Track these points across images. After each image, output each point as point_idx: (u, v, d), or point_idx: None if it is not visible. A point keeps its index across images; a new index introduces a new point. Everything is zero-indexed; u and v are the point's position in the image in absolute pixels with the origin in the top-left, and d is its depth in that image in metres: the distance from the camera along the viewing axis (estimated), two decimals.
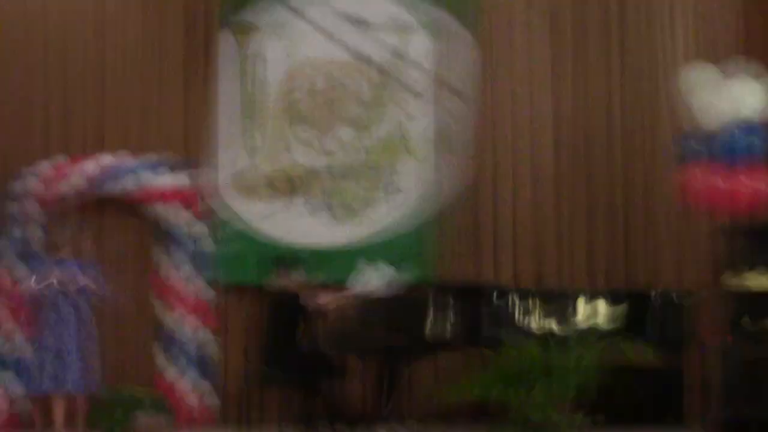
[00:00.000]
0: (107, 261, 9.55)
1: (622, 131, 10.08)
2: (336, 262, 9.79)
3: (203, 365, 9.69)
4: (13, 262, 9.59)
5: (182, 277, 9.72)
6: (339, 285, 9.67)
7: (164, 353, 9.70)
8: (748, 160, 7.89)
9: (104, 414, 7.69)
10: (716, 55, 9.18)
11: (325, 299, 8.56)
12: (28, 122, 10.00)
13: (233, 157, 10.02)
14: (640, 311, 8.53)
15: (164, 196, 9.76)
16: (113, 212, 9.93)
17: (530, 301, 8.51)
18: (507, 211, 9.99)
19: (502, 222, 9.99)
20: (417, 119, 10.06)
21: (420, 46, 10.09)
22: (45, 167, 9.73)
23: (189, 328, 9.67)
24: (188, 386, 9.59)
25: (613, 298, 8.90)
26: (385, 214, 9.96)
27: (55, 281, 8.34)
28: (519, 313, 8.46)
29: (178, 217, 9.78)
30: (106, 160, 9.76)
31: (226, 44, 10.09)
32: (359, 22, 10.14)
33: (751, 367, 7.16)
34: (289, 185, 10.04)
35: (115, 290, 9.61)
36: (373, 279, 8.74)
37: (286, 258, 8.97)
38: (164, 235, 9.81)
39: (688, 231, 9.56)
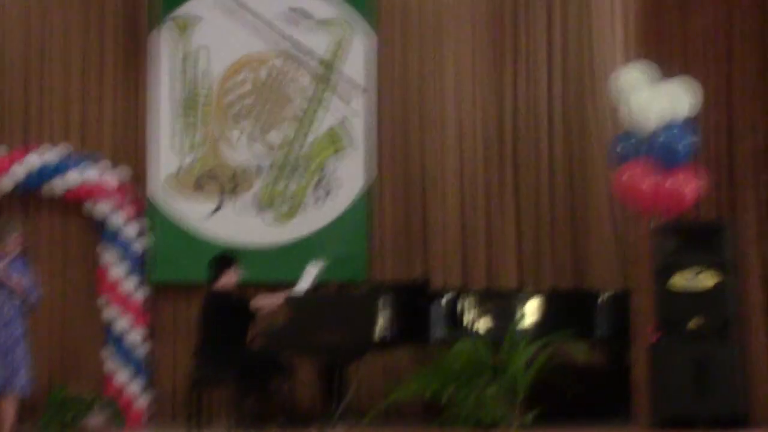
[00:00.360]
0: (45, 258, 9.53)
1: (554, 131, 10.06)
2: (274, 261, 9.81)
3: (140, 365, 9.66)
4: None
5: (118, 275, 9.64)
6: (277, 283, 9.76)
7: (109, 354, 9.63)
8: (681, 161, 8.06)
9: (54, 416, 7.60)
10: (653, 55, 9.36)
11: (264, 300, 8.57)
12: None
13: (171, 153, 9.94)
14: (586, 310, 8.67)
15: (99, 193, 9.66)
16: (49, 209, 9.81)
17: (478, 301, 8.63)
18: (437, 211, 10.00)
19: (432, 222, 9.99)
20: (351, 119, 10.13)
21: (364, 41, 10.13)
22: None
23: (125, 327, 9.61)
24: (131, 387, 9.55)
25: (560, 298, 9.02)
26: (323, 212, 10.01)
27: None
28: (467, 313, 8.58)
29: (113, 214, 9.68)
30: (36, 159, 9.64)
31: (165, 37, 9.99)
32: (301, 15, 10.13)
33: (690, 365, 7.36)
34: (227, 183, 10.03)
35: (55, 288, 9.64)
36: (312, 277, 8.77)
37: (224, 257, 8.97)
38: (101, 233, 9.73)
39: (623, 231, 9.78)
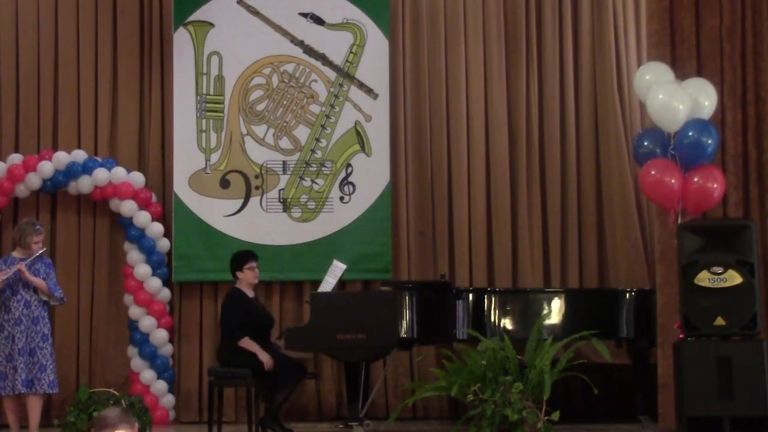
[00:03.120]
0: (71, 258, 9.60)
1: (580, 129, 10.11)
2: (299, 259, 9.85)
3: (164, 364, 9.70)
4: None
5: (142, 274, 9.67)
6: (302, 281, 9.81)
7: (134, 352, 9.69)
8: (706, 158, 8.05)
9: (80, 414, 7.66)
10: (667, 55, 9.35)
11: (252, 346, 8.50)
12: None
13: (189, 155, 9.99)
14: (611, 309, 8.63)
15: (124, 193, 9.69)
16: (75, 209, 9.87)
17: (503, 300, 8.62)
18: (462, 211, 10.01)
19: (457, 220, 10.01)
20: (373, 118, 10.15)
21: (378, 44, 10.17)
22: None
23: (150, 326, 9.64)
24: (156, 386, 9.58)
25: (585, 297, 9.04)
26: (348, 211, 10.02)
27: (3, 278, 8.25)
28: (492, 312, 8.57)
29: (138, 214, 9.71)
30: (62, 158, 9.69)
31: (181, 42, 10.03)
32: (315, 20, 10.18)
33: (716, 363, 7.31)
34: (245, 184, 10.05)
35: (81, 287, 9.71)
36: (337, 276, 8.79)
37: (239, 255, 8.99)
38: (126, 232, 9.77)
39: (648, 229, 9.77)
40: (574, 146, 10.14)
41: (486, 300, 8.57)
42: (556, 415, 7.11)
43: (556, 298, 8.68)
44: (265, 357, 8.40)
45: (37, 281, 8.28)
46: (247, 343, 8.48)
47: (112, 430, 4.29)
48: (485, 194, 10.07)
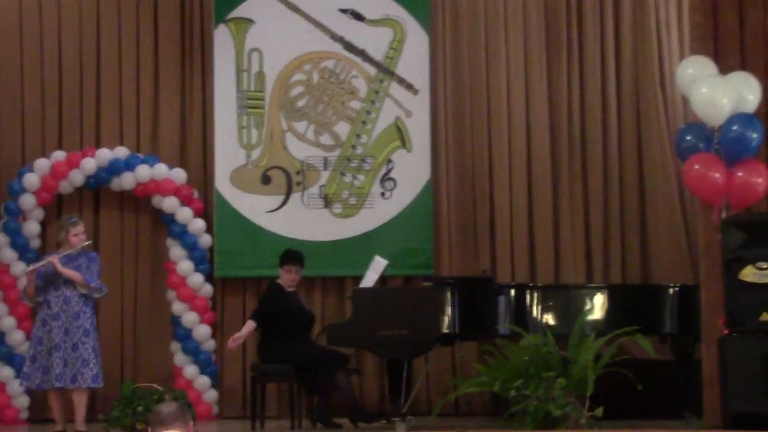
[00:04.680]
0: (114, 253, 9.68)
1: (622, 123, 10.09)
2: (340, 255, 9.87)
3: (207, 360, 9.75)
4: (12, 259, 9.62)
5: (185, 270, 9.72)
6: (343, 277, 9.81)
7: (177, 348, 9.74)
8: (750, 153, 7.98)
9: (124, 409, 7.70)
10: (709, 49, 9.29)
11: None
12: (24, 119, 9.96)
13: (231, 151, 10.03)
14: (654, 305, 8.58)
15: (166, 189, 9.75)
16: (118, 205, 9.94)
17: (545, 295, 8.59)
18: (503, 206, 10.00)
19: (498, 215, 10.00)
20: (413, 114, 10.15)
21: (418, 40, 10.16)
22: (43, 164, 9.72)
23: (192, 322, 9.70)
24: (199, 381, 9.65)
25: (627, 292, 8.97)
26: (389, 206, 10.02)
27: (42, 270, 8.32)
28: (534, 307, 8.55)
29: (180, 210, 9.76)
30: (105, 155, 9.76)
31: (222, 39, 10.07)
32: (354, 16, 10.18)
33: (761, 359, 7.26)
34: (286, 180, 10.08)
35: (124, 283, 9.78)
36: (378, 271, 8.79)
37: (284, 253, 9.03)
38: (168, 229, 9.83)
39: (692, 224, 9.71)
40: (616, 141, 10.11)
41: (528, 295, 8.54)
42: (599, 411, 7.06)
43: (598, 294, 8.63)
44: (235, 343, 8.59)
45: (70, 272, 8.30)
46: (247, 326, 8.63)
47: (166, 427, 4.29)
48: (526, 189, 10.05)
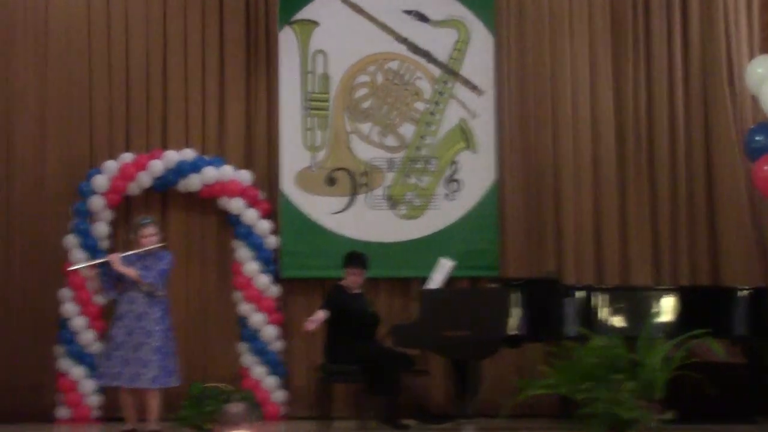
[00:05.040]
0: (181, 255, 9.73)
1: (690, 124, 10.01)
2: (405, 256, 9.87)
3: (275, 361, 9.79)
4: (82, 260, 9.72)
5: (251, 271, 9.78)
6: (408, 279, 9.81)
7: (245, 349, 9.78)
8: None
9: (193, 409, 7.76)
10: None
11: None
12: (92, 122, 10.05)
13: (296, 153, 10.07)
14: (724, 307, 8.52)
15: (233, 190, 9.82)
16: (185, 206, 9.99)
17: (612, 297, 8.54)
18: (569, 207, 9.97)
19: (565, 217, 9.96)
20: (478, 115, 10.13)
21: (482, 40, 10.15)
22: (111, 165, 9.83)
23: (260, 322, 9.74)
24: (266, 382, 9.68)
25: (696, 294, 8.89)
26: (454, 207, 10.01)
27: (106, 269, 8.42)
28: (601, 309, 8.49)
29: (246, 211, 9.82)
30: (171, 157, 9.85)
31: (286, 41, 10.13)
32: (418, 17, 10.19)
33: None
34: (351, 181, 10.11)
35: (191, 284, 9.85)
36: (444, 273, 8.78)
37: (348, 255, 9.06)
38: (234, 230, 9.89)
39: (762, 225, 9.61)
40: (683, 141, 10.03)
41: (595, 297, 8.49)
42: (670, 415, 6.99)
43: (667, 296, 8.57)
44: (313, 324, 8.53)
45: (127, 270, 8.38)
46: (320, 313, 8.66)
47: (234, 427, 4.33)
48: (592, 190, 10.01)
